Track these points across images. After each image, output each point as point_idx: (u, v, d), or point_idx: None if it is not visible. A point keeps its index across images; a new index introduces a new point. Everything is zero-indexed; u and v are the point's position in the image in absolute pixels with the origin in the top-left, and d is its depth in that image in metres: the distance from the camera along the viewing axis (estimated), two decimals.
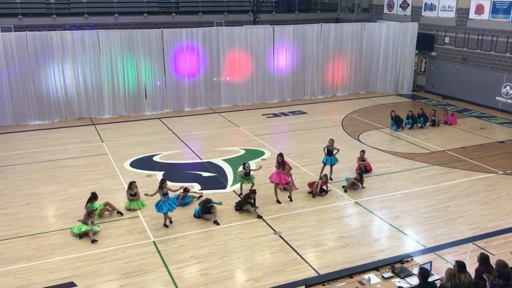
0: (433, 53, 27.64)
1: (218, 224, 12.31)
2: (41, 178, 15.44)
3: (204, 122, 22.02)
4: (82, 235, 11.57)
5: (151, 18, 29.72)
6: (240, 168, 14.47)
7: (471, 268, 8.96)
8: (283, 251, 11.13)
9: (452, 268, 8.53)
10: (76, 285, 9.87)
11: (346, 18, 33.11)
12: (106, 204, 12.73)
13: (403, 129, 20.66)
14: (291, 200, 13.55)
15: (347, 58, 27.03)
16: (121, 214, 12.70)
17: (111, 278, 10.10)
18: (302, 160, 16.57)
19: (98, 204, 12.70)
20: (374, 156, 17.23)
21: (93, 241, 11.41)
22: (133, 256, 10.88)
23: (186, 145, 18.69)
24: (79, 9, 28.83)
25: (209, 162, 16.63)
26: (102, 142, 19.06)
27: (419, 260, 10.53)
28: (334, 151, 14.78)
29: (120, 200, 13.52)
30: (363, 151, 15.73)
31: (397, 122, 20.60)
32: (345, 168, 15.77)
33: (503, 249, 11.07)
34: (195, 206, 13.07)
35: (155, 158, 17.13)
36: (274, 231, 12.02)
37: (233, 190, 14.27)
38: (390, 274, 9.96)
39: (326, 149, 14.89)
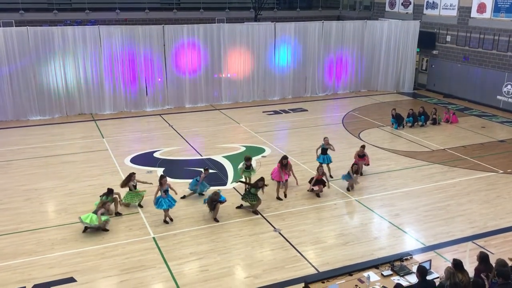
0: (434, 52, 27.59)
1: (217, 221, 12.32)
2: (41, 173, 15.45)
3: (205, 119, 22.02)
4: (88, 228, 11.56)
5: (153, 14, 29.70)
6: (240, 165, 14.48)
7: (471, 267, 8.97)
8: (283, 248, 11.14)
9: (451, 266, 8.53)
10: (75, 281, 9.89)
11: (348, 16, 33.08)
12: (117, 194, 12.70)
13: (403, 127, 20.65)
14: (285, 196, 13.54)
15: (348, 55, 27.00)
16: (120, 214, 12.62)
17: (111, 274, 10.11)
18: (302, 157, 16.56)
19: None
20: (375, 154, 17.22)
21: (105, 230, 11.63)
22: (133, 252, 10.90)
23: (187, 141, 18.69)
24: (81, 4, 28.84)
25: (209, 159, 16.64)
26: (103, 138, 19.06)
27: (419, 258, 10.52)
28: (329, 150, 14.71)
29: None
30: (363, 146, 15.53)
31: (398, 120, 20.59)
32: (345, 166, 15.72)
33: (503, 248, 11.08)
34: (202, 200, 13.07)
35: (155, 155, 17.14)
36: (274, 228, 12.04)
37: (233, 187, 14.27)
38: (390, 272, 9.94)
39: (321, 148, 14.84)
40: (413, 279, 9.21)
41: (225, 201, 12.63)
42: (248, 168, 13.86)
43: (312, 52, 25.99)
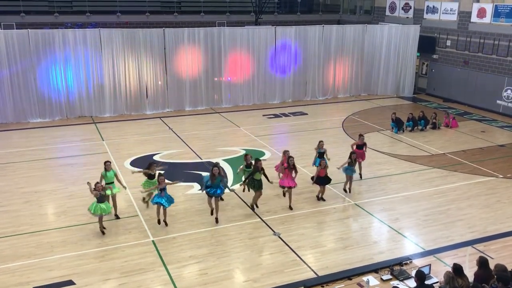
0: (434, 56, 27.64)
1: (217, 221, 12.31)
2: (41, 176, 15.45)
3: (205, 122, 22.03)
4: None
5: (153, 17, 29.76)
6: (241, 166, 14.46)
7: (470, 271, 8.96)
8: (282, 252, 11.13)
9: (451, 271, 8.52)
10: (74, 284, 9.88)
11: (348, 20, 33.14)
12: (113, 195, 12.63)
13: (403, 131, 20.67)
14: (291, 209, 13.27)
15: (348, 59, 27.04)
16: (118, 217, 12.57)
17: (110, 277, 10.10)
18: (302, 161, 16.54)
19: (110, 171, 12.51)
20: (375, 158, 17.23)
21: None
22: (132, 255, 10.89)
23: (187, 144, 18.69)
24: (81, 7, 28.91)
25: (209, 162, 16.62)
26: (103, 140, 19.07)
27: (418, 262, 10.52)
28: (325, 154, 14.67)
29: (119, 200, 13.49)
30: (361, 135, 15.35)
31: (397, 125, 20.60)
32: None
33: (503, 253, 11.07)
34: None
35: (155, 157, 17.13)
36: (274, 231, 12.03)
37: (233, 190, 14.24)
38: (389, 277, 9.94)
39: (317, 152, 14.82)
40: (412, 283, 9.19)
41: (222, 193, 12.53)
42: (249, 166, 13.72)
43: (313, 56, 26.03)
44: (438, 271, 9.97)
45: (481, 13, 24.65)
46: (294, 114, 23.67)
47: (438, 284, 9.18)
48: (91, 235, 11.68)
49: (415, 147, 18.76)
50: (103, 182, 12.19)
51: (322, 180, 13.60)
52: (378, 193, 14.44)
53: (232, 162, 16.54)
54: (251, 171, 12.82)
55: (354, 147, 15.07)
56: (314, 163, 14.79)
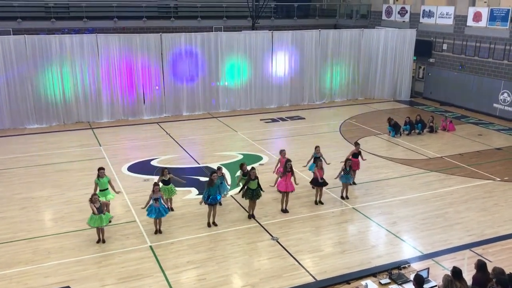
0: (431, 60, 27.74)
1: (216, 225, 12.32)
2: (38, 182, 15.40)
3: (202, 127, 22.03)
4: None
5: (150, 22, 29.77)
6: (238, 173, 14.46)
7: (469, 275, 8.96)
8: (281, 256, 11.11)
9: (449, 274, 8.52)
10: None
11: (345, 24, 33.22)
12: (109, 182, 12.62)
13: (401, 135, 20.71)
14: (287, 212, 13.31)
15: (345, 64, 27.13)
16: (109, 221, 12.46)
17: (108, 283, 10.05)
18: (300, 165, 16.53)
19: (104, 178, 12.49)
20: (372, 162, 17.25)
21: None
22: (129, 261, 10.85)
23: (184, 149, 18.68)
24: (78, 13, 28.87)
25: (207, 167, 16.61)
26: (100, 146, 19.04)
27: (417, 266, 10.52)
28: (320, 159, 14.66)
29: (117, 205, 13.49)
30: (357, 144, 15.38)
31: (395, 128, 20.64)
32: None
33: (501, 256, 11.08)
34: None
35: (152, 163, 17.11)
36: (272, 236, 12.01)
37: (231, 195, 14.23)
38: (388, 281, 9.95)
39: (313, 157, 14.81)
40: (411, 287, 9.19)
41: (220, 200, 12.54)
42: (246, 174, 13.73)
43: (309, 60, 26.10)
44: (437, 275, 9.97)
45: (477, 17, 24.77)
46: (291, 118, 23.69)
47: (436, 287, 9.18)
48: (89, 241, 11.64)
49: (412, 151, 18.79)
50: (97, 189, 12.13)
51: (317, 181, 13.62)
52: (375, 197, 14.44)
53: (230, 167, 16.51)
54: (246, 180, 12.81)
55: (350, 155, 14.99)
56: (309, 168, 14.79)
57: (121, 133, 20.99)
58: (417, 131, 20.99)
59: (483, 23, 24.50)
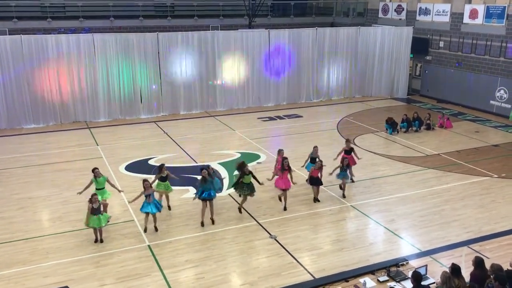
0: (427, 57, 27.77)
1: (213, 222, 12.35)
2: (36, 181, 15.38)
3: (200, 126, 22.02)
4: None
5: (147, 22, 29.73)
6: (235, 172, 14.44)
7: (467, 271, 8.98)
8: (279, 255, 11.12)
9: (447, 271, 8.54)
10: None
11: (341, 22, 33.25)
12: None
13: (398, 132, 20.73)
14: (285, 209, 13.30)
15: (342, 62, 27.13)
16: (108, 221, 12.42)
17: (106, 283, 10.05)
18: (298, 163, 16.54)
19: (101, 178, 12.44)
20: (370, 159, 17.27)
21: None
22: (128, 260, 10.84)
23: (182, 148, 18.67)
24: (74, 12, 28.82)
25: (204, 166, 16.58)
26: (97, 145, 19.01)
27: (415, 263, 10.55)
28: (317, 160, 14.63)
29: (114, 205, 13.48)
30: (348, 141, 15.38)
31: (392, 126, 20.67)
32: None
33: (498, 253, 11.11)
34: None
35: (150, 162, 17.10)
36: (270, 234, 12.02)
37: (229, 194, 14.24)
38: (386, 278, 9.97)
39: (310, 157, 14.79)
40: (409, 284, 9.22)
41: (215, 196, 12.50)
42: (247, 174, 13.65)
43: (306, 58, 26.09)
44: (435, 272, 9.99)
45: (473, 14, 24.81)
46: (289, 116, 23.70)
47: (434, 284, 9.21)
48: (86, 240, 11.63)
49: (410, 148, 18.82)
50: (90, 186, 12.10)
51: (314, 180, 13.65)
52: (373, 194, 14.47)
53: (228, 165, 16.52)
54: (238, 176, 12.76)
55: (343, 153, 15.01)
56: (306, 167, 14.79)
57: (118, 132, 20.95)
58: (414, 128, 21.02)
59: (479, 20, 24.54)
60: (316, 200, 13.85)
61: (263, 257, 11.05)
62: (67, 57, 21.46)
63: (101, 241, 11.59)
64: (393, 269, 10.26)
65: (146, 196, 11.78)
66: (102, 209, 11.55)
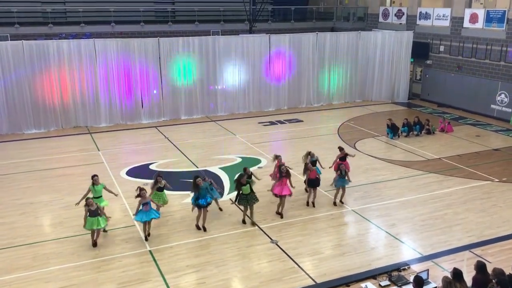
0: (428, 62, 27.81)
1: (205, 230, 12.31)
2: (37, 187, 15.39)
3: (201, 130, 22.04)
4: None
5: (148, 27, 29.82)
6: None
7: (469, 276, 8.96)
8: (280, 259, 11.11)
9: (449, 275, 8.53)
10: None
11: (342, 27, 33.33)
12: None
13: (399, 137, 20.74)
14: (281, 217, 13.18)
15: (343, 66, 27.18)
16: (105, 231, 12.35)
17: None
18: (299, 168, 16.54)
19: (98, 185, 12.37)
20: (370, 163, 17.28)
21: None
22: (129, 265, 10.84)
23: (183, 153, 18.68)
24: (76, 18, 28.94)
25: (205, 170, 16.61)
26: (99, 150, 19.03)
27: (416, 268, 10.53)
28: (317, 163, 14.59)
29: (115, 210, 13.49)
30: (341, 148, 15.27)
31: (393, 130, 20.67)
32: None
33: (500, 257, 11.09)
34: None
35: (151, 167, 17.11)
36: (271, 239, 12.01)
37: (230, 199, 14.23)
38: (387, 283, 9.96)
39: (310, 160, 14.74)
40: None
41: (210, 203, 12.47)
42: (249, 177, 13.62)
43: (307, 63, 26.14)
44: (436, 276, 9.97)
45: (474, 18, 24.85)
46: (289, 121, 23.72)
47: None
48: (88, 245, 11.62)
49: (411, 152, 18.82)
50: (88, 195, 12.07)
51: (312, 182, 13.63)
52: (374, 199, 14.46)
53: (228, 170, 16.52)
54: (237, 186, 12.60)
55: (338, 160, 14.93)
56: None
57: (120, 137, 20.98)
58: (415, 132, 21.03)
59: (479, 24, 24.58)
60: (312, 204, 13.74)
61: (264, 262, 11.03)
62: (68, 63, 21.53)
63: (95, 244, 11.52)
64: (395, 273, 10.25)
65: (143, 205, 11.73)
66: (99, 211, 11.51)
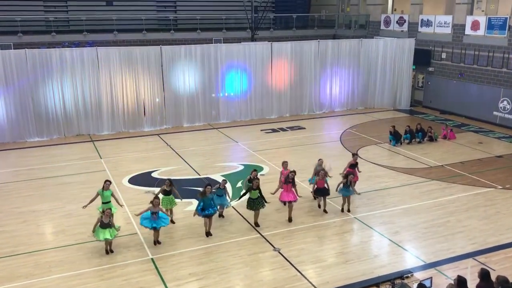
0: (430, 69, 27.82)
1: (210, 235, 12.36)
2: (39, 195, 15.38)
3: (203, 138, 22.05)
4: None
5: (150, 35, 29.97)
6: (239, 184, 14.44)
7: (472, 283, 8.89)
8: (283, 267, 11.05)
9: (453, 283, 8.46)
10: None
11: (343, 35, 33.42)
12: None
13: (401, 144, 20.70)
14: (290, 221, 13.28)
15: (344, 73, 27.21)
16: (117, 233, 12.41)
17: None
18: (300, 175, 16.50)
19: (108, 191, 12.38)
20: (373, 171, 17.23)
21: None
22: (131, 274, 10.79)
23: (185, 161, 18.67)
24: (78, 26, 29.10)
25: (207, 178, 16.59)
26: (101, 158, 19.04)
27: (420, 276, 10.45)
28: (327, 166, 14.61)
29: (118, 217, 13.43)
30: (355, 155, 15.35)
31: (395, 137, 20.64)
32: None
33: (504, 265, 11.01)
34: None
35: (153, 174, 17.10)
36: (274, 247, 11.95)
37: (232, 206, 14.19)
38: None
39: (315, 169, 14.73)
40: None
41: (215, 212, 12.52)
42: (249, 181, 13.60)
43: (309, 70, 26.19)
44: (440, 284, 9.91)
45: (475, 25, 24.89)
46: (291, 128, 23.72)
47: None
48: (90, 254, 11.59)
49: (413, 160, 18.77)
50: (96, 199, 12.10)
51: (320, 191, 13.62)
52: (377, 206, 14.40)
53: (231, 178, 16.49)
54: (247, 189, 12.81)
55: (348, 168, 14.91)
56: (310, 180, 14.74)
57: (122, 145, 20.99)
58: (417, 140, 20.99)
59: (481, 31, 24.61)
60: (324, 211, 13.81)
61: (267, 270, 10.98)
62: (71, 71, 21.60)
63: (111, 251, 11.59)
64: (398, 281, 10.17)
65: (152, 213, 11.72)
66: (110, 223, 11.51)
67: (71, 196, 15.22)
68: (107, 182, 12.40)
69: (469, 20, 25.24)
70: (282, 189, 13.32)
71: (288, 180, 13.08)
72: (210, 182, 12.92)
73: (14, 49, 23.50)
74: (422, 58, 27.62)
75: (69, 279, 10.60)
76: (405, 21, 29.44)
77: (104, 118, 22.59)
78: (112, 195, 12.55)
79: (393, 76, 27.68)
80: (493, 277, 8.59)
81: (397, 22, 30.06)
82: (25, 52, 20.91)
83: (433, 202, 14.68)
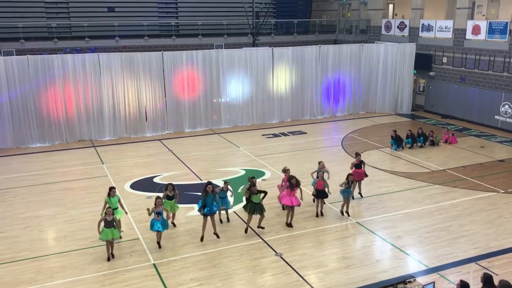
0: (431, 73, 27.85)
1: (218, 237, 12.40)
2: (41, 200, 15.40)
3: (205, 143, 22.07)
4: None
5: (152, 41, 30.06)
6: (242, 187, 14.43)
7: None
8: (285, 272, 11.04)
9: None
10: None
11: (344, 40, 33.48)
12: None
13: (403, 148, 20.70)
14: (291, 226, 13.26)
15: (346, 78, 27.25)
16: (120, 237, 12.47)
17: None
18: (302, 180, 16.49)
19: (114, 197, 12.35)
20: (375, 175, 17.22)
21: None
22: (133, 279, 10.79)
23: (187, 166, 18.69)
24: (80, 33, 29.20)
25: (209, 183, 16.55)
26: (103, 164, 19.07)
27: (422, 280, 10.43)
28: (325, 175, 14.59)
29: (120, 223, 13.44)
30: (358, 154, 15.36)
31: (397, 142, 20.64)
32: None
33: (507, 269, 10.99)
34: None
35: (155, 180, 17.12)
36: (276, 252, 11.94)
37: (234, 211, 14.20)
38: None
39: (316, 172, 14.71)
40: None
41: (215, 212, 12.50)
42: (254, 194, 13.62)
43: (310, 75, 26.23)
44: None
45: (476, 30, 24.93)
46: (293, 133, 23.74)
47: None
48: (92, 259, 11.60)
49: (415, 164, 18.76)
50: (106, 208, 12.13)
51: (319, 193, 13.61)
52: (379, 211, 14.39)
53: (232, 182, 16.47)
54: (249, 192, 12.77)
55: (353, 167, 15.01)
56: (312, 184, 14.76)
57: (124, 150, 21.03)
58: (419, 144, 20.99)
59: (482, 36, 24.65)
60: (320, 214, 13.76)
61: (269, 275, 10.97)
62: (73, 77, 21.68)
63: (113, 256, 11.58)
64: (400, 286, 10.15)
65: (156, 214, 11.77)
66: (115, 223, 11.55)
67: (73, 201, 15.24)
68: (113, 189, 12.38)
69: (469, 24, 25.29)
70: (285, 193, 13.28)
71: (292, 185, 13.06)
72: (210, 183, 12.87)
73: (16, 55, 23.61)
74: (423, 62, 27.66)
75: (71, 284, 10.60)
76: (406, 26, 29.51)
77: (106, 124, 22.64)
78: (119, 200, 12.56)
79: (394, 81, 27.71)
80: (496, 281, 8.58)
81: (398, 27, 30.12)
82: (28, 58, 21.00)
83: (435, 206, 14.67)
